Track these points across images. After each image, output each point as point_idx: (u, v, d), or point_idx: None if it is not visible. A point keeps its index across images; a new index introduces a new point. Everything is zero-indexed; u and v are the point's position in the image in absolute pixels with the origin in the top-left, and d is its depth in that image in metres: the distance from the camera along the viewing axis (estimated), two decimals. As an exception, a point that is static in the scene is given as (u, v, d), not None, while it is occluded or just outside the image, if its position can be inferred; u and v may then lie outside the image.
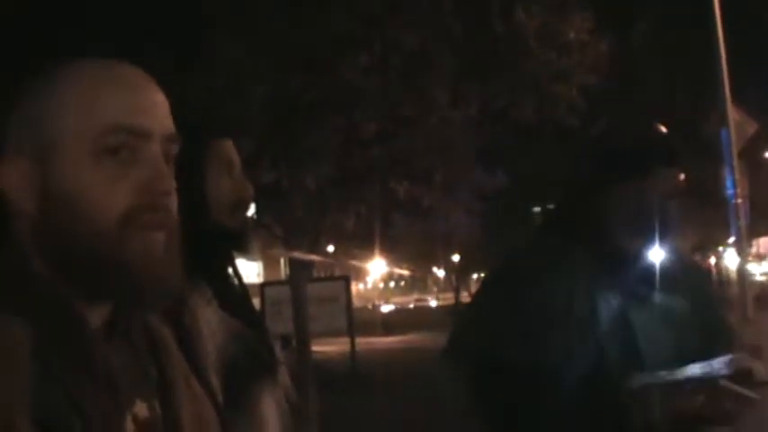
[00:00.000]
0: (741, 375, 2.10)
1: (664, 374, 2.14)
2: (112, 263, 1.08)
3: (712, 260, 53.26)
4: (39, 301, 1.06)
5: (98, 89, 1.11)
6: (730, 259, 47.86)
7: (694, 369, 2.12)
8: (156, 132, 1.12)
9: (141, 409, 1.12)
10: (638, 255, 2.31)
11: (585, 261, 2.30)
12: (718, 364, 2.11)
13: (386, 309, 38.64)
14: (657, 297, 2.32)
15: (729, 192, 14.56)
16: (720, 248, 49.57)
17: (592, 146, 2.51)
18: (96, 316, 1.11)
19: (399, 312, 41.36)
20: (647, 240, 2.30)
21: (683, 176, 2.35)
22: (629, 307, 2.28)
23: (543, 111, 10.68)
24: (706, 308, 2.42)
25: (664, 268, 2.33)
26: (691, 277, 2.45)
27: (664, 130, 2.40)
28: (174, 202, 1.14)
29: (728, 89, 14.45)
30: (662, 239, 2.30)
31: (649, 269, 2.32)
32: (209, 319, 1.91)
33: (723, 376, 2.09)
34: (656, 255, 2.33)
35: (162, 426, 1.15)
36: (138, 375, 1.14)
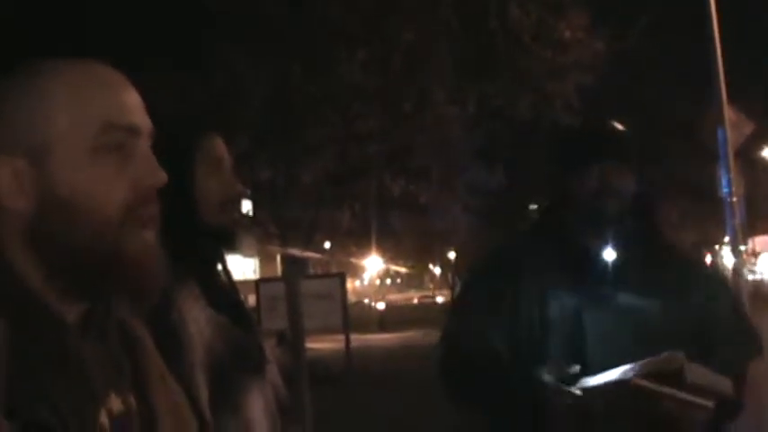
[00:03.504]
0: (668, 376, 2.03)
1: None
2: (112, 258, 1.11)
3: (708, 258, 53.32)
4: (15, 298, 1.07)
5: (87, 89, 1.13)
6: (727, 258, 47.87)
7: (613, 372, 2.08)
8: (144, 129, 1.16)
9: (116, 403, 1.13)
10: (597, 253, 2.32)
11: (546, 260, 2.34)
12: (636, 366, 2.05)
13: (381, 306, 38.70)
14: (622, 297, 2.30)
15: (725, 191, 14.58)
16: (717, 247, 49.67)
17: (550, 144, 2.62)
18: (72, 313, 1.13)
19: (396, 309, 41.40)
20: (603, 236, 2.31)
21: (623, 171, 2.34)
22: (585, 307, 2.28)
23: (539, 108, 10.70)
24: (697, 308, 2.35)
25: (638, 268, 2.32)
26: (684, 277, 2.39)
27: (615, 126, 2.42)
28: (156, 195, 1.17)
29: (725, 88, 14.46)
30: (607, 235, 2.31)
31: (611, 268, 2.32)
32: (197, 317, 1.91)
33: (636, 376, 2.03)
34: (621, 254, 2.32)
35: (138, 419, 1.17)
36: (112, 371, 1.16)
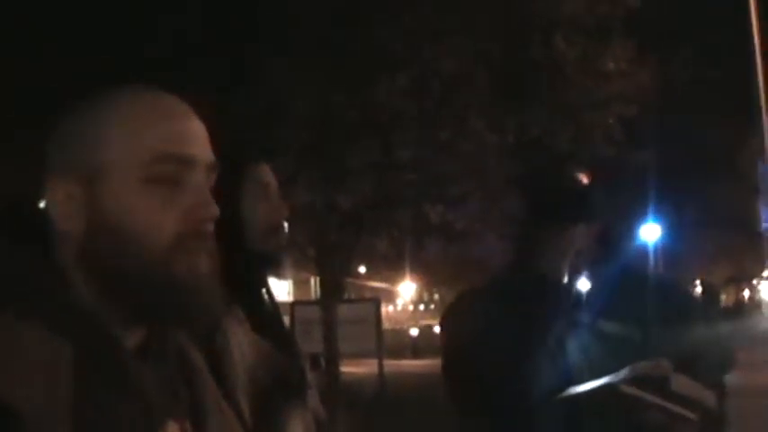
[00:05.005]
0: (654, 383, 2.05)
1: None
2: (161, 285, 1.10)
3: (746, 293, 52.64)
4: (77, 320, 1.08)
5: (145, 118, 1.13)
6: (765, 292, 47.27)
7: (601, 380, 2.10)
8: (200, 160, 1.15)
9: (173, 430, 1.13)
10: (572, 283, 2.39)
11: (528, 290, 2.38)
12: (623, 371, 2.07)
13: (415, 332, 38.61)
14: (603, 324, 2.33)
15: (765, 225, 14.44)
16: (755, 282, 49.05)
17: (530, 190, 2.67)
18: (131, 338, 1.13)
19: (429, 335, 41.30)
20: (578, 273, 2.39)
21: (594, 230, 2.43)
22: (566, 333, 2.32)
23: (579, 139, 10.64)
24: (672, 330, 2.36)
25: (620, 296, 2.34)
26: (669, 307, 2.41)
27: (584, 182, 2.51)
28: (211, 227, 1.17)
29: (767, 121, 14.33)
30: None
31: (587, 297, 2.37)
32: (241, 341, 1.91)
33: (623, 381, 2.04)
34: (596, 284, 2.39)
35: None
36: (170, 397, 1.16)
